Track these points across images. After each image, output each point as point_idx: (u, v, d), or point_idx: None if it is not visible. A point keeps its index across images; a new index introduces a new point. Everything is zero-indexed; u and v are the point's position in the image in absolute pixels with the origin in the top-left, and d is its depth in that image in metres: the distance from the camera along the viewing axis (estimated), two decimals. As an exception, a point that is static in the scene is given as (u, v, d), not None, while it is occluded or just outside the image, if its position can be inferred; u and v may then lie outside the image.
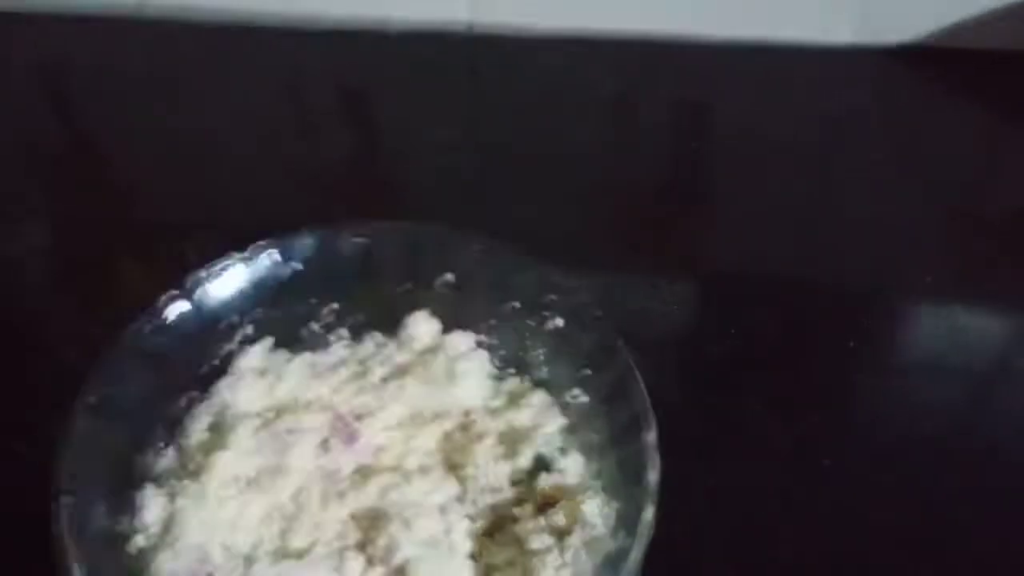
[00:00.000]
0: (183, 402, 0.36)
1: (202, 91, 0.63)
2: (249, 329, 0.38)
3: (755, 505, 0.39)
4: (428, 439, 0.35)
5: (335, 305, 0.39)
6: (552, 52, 0.64)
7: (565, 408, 0.36)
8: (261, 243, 0.38)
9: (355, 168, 0.58)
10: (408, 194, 0.56)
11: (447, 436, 0.35)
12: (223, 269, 0.37)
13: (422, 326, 0.38)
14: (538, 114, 0.60)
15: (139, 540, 0.32)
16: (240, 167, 0.57)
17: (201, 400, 0.36)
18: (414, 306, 0.39)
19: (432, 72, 0.64)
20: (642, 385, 0.33)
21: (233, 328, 0.38)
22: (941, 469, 0.41)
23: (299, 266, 0.38)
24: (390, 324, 0.39)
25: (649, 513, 0.29)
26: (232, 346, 0.38)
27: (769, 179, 0.55)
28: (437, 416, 0.36)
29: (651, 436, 0.31)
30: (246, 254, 0.37)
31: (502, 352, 0.38)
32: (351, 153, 0.59)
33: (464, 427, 0.36)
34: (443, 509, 0.33)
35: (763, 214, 0.53)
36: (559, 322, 0.37)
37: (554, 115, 0.60)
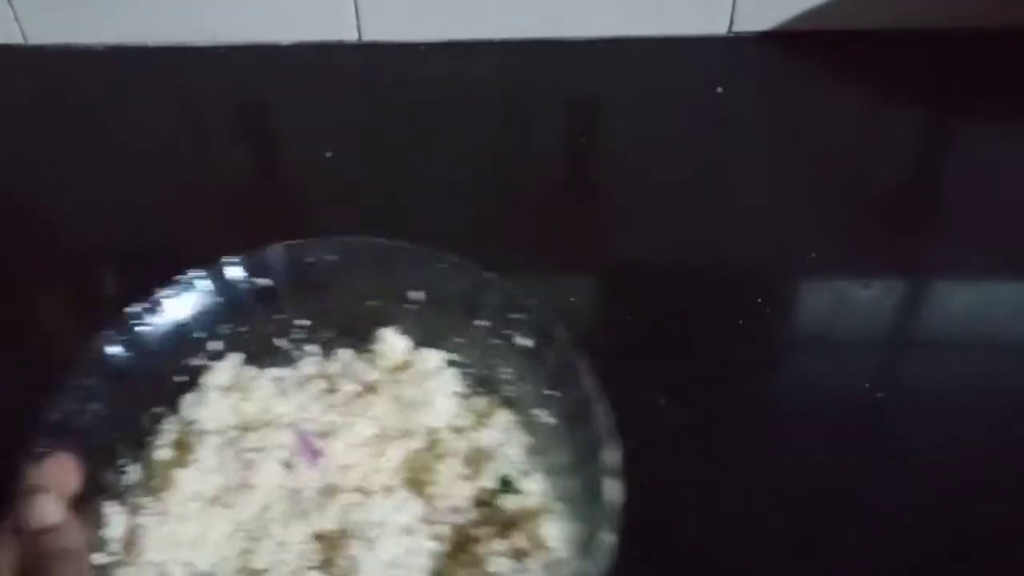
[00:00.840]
0: (148, 418, 0.36)
1: (95, 114, 0.63)
2: (217, 344, 0.38)
3: (659, 491, 0.39)
4: (393, 458, 0.35)
5: (304, 321, 0.39)
6: (440, 57, 0.65)
7: (531, 428, 0.37)
8: (230, 258, 0.38)
9: (255, 183, 0.59)
10: (310, 207, 0.56)
11: (413, 455, 0.36)
12: (190, 283, 0.37)
13: (391, 343, 0.39)
14: (432, 119, 0.61)
15: (101, 556, 0.31)
16: (138, 189, 0.57)
17: (166, 416, 0.36)
18: (383, 322, 0.39)
19: (325, 82, 0.65)
20: (604, 407, 0.33)
21: (201, 343, 0.37)
22: (836, 439, 0.42)
23: (268, 282, 0.38)
24: (359, 340, 0.39)
25: (609, 536, 0.30)
26: (200, 361, 0.37)
27: (658, 169, 0.57)
28: (404, 435, 0.36)
29: (612, 458, 0.31)
30: (214, 268, 0.37)
31: (471, 370, 0.39)
32: (251, 168, 0.60)
33: (430, 446, 0.36)
34: (406, 529, 0.33)
35: (652, 204, 0.54)
36: (527, 341, 0.37)
37: (447, 119, 0.61)
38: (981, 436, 0.42)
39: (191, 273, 0.37)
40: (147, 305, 0.36)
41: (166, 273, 0.50)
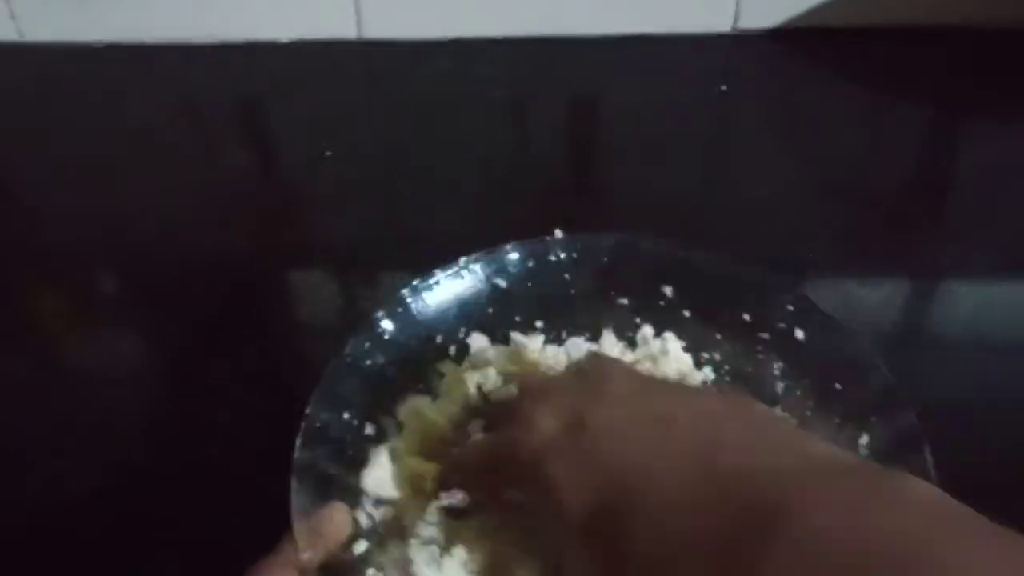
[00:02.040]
0: (395, 425, 0.35)
1: (92, 112, 0.62)
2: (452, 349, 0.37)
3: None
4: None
5: (540, 323, 0.38)
6: (441, 55, 0.65)
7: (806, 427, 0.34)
8: (468, 257, 0.37)
9: (255, 182, 0.58)
10: (310, 206, 0.56)
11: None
12: (432, 284, 0.37)
13: (648, 342, 0.37)
14: (434, 117, 0.61)
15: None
16: (137, 187, 0.56)
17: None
18: (629, 321, 0.38)
19: (325, 81, 0.64)
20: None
21: (443, 346, 0.37)
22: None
23: (502, 283, 0.37)
24: (592, 338, 0.38)
25: None
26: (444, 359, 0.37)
27: (660, 167, 0.56)
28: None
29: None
30: (452, 270, 0.37)
31: (726, 367, 0.37)
32: (250, 167, 0.59)
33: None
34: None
35: (654, 202, 0.54)
36: (798, 334, 0.35)
37: (449, 117, 0.61)
38: (981, 436, 0.41)
39: (438, 273, 0.37)
40: (392, 309, 0.36)
41: (163, 272, 0.50)
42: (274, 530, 0.36)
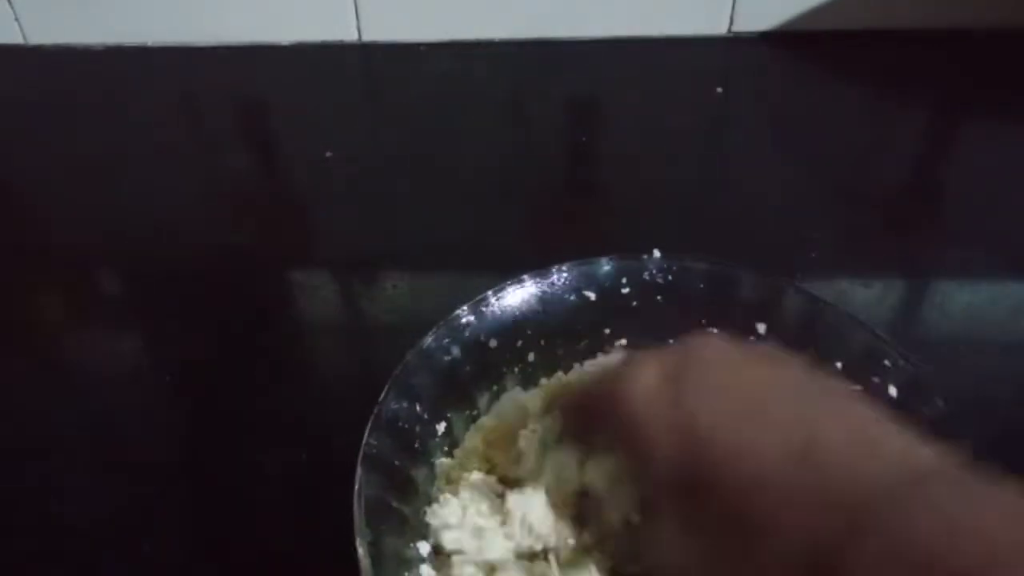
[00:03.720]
0: (462, 421, 0.35)
1: (94, 114, 0.63)
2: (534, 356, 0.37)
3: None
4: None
5: (623, 341, 0.38)
6: (441, 57, 0.66)
7: None
8: (558, 267, 0.37)
9: (255, 183, 0.58)
10: (310, 207, 0.56)
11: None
12: (516, 288, 0.36)
13: None
14: (433, 118, 0.61)
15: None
16: (138, 189, 0.57)
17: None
18: None
19: (325, 83, 0.65)
20: None
21: (521, 352, 0.37)
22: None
23: (592, 295, 0.37)
24: None
25: None
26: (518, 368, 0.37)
27: (657, 169, 0.57)
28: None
29: None
30: (538, 278, 0.37)
31: None
32: (250, 168, 0.60)
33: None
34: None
35: (652, 204, 0.54)
36: (891, 391, 0.33)
37: (449, 118, 0.61)
38: (982, 436, 0.42)
39: (523, 279, 0.37)
40: (476, 308, 0.35)
41: (163, 272, 0.51)
42: (265, 531, 0.36)
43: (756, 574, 0.22)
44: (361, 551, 0.27)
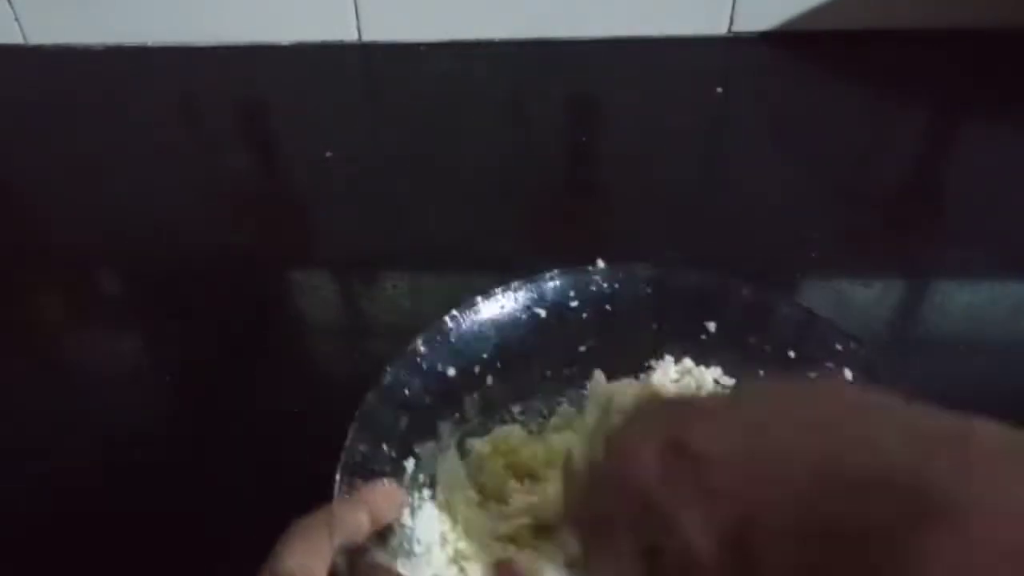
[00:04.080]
0: (447, 427, 0.36)
1: (94, 114, 0.63)
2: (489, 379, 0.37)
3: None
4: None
5: (582, 348, 0.38)
6: (441, 57, 0.66)
7: None
8: (508, 285, 0.37)
9: (255, 183, 0.59)
10: (310, 207, 0.56)
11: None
12: (471, 312, 0.37)
13: (668, 375, 0.37)
14: (433, 118, 0.61)
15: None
16: (138, 189, 0.57)
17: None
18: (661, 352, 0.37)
19: (325, 83, 0.65)
20: None
21: (503, 360, 0.37)
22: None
23: (542, 312, 0.37)
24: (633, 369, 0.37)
25: None
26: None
27: (657, 169, 0.57)
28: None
29: None
30: (491, 298, 0.37)
31: None
32: (251, 168, 0.60)
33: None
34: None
35: (652, 204, 0.54)
36: (846, 374, 0.34)
37: (449, 118, 0.61)
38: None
39: (478, 300, 0.37)
40: (431, 338, 0.36)
41: (163, 272, 0.51)
42: (268, 532, 0.36)
43: None
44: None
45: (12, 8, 0.66)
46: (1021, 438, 0.22)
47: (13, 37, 0.67)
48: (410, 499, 0.33)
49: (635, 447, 0.25)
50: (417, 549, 0.31)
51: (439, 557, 0.32)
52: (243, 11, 0.65)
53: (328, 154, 0.58)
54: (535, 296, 0.37)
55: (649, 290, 0.37)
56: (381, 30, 0.66)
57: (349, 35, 0.67)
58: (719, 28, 0.65)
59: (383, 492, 0.31)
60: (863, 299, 0.48)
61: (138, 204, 0.56)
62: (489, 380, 0.37)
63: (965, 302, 0.48)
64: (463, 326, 0.36)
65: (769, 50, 0.65)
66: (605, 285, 0.38)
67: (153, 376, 0.46)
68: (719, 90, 0.62)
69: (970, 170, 0.57)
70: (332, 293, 0.50)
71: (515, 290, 0.37)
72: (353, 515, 0.29)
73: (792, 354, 0.35)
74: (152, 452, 0.41)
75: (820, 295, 0.50)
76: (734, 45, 0.66)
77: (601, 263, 0.39)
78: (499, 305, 0.37)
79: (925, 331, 0.48)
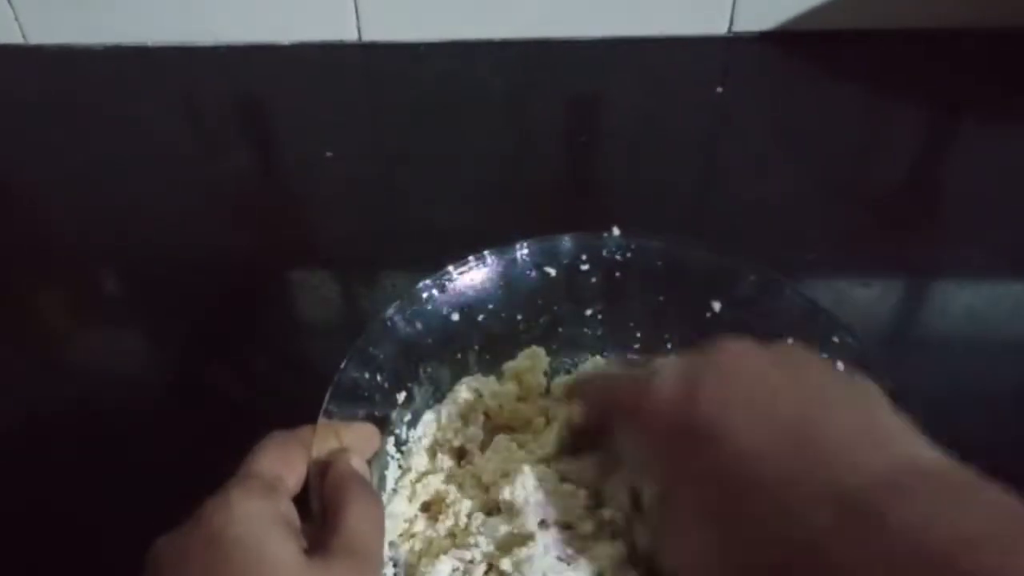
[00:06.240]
0: (422, 394, 0.36)
1: (94, 114, 0.63)
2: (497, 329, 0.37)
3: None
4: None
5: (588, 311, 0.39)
6: (440, 57, 0.66)
7: None
8: (520, 243, 0.37)
9: (255, 183, 0.59)
10: (310, 207, 0.56)
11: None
12: (478, 264, 0.37)
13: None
14: (433, 118, 0.61)
15: None
16: (138, 189, 0.57)
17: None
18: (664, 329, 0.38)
19: (325, 82, 0.65)
20: None
21: (483, 326, 0.37)
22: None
23: (552, 271, 0.38)
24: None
25: None
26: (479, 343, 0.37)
27: (657, 169, 0.57)
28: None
29: None
30: (501, 254, 0.37)
31: None
32: (250, 168, 0.60)
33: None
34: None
35: (652, 204, 0.54)
36: (838, 367, 0.34)
37: (449, 118, 0.61)
38: (981, 436, 0.42)
39: (484, 254, 0.37)
40: (437, 282, 0.36)
41: (163, 272, 0.51)
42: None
43: (755, 559, 0.23)
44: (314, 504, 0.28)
45: (12, 8, 0.66)
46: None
47: (13, 37, 0.67)
48: (392, 438, 0.34)
49: (665, 372, 0.27)
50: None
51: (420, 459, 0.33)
52: (243, 11, 0.65)
53: (328, 154, 0.58)
54: (547, 255, 0.38)
55: (660, 263, 0.38)
56: (381, 30, 0.66)
57: (349, 35, 0.67)
58: (719, 28, 0.65)
59: (360, 429, 0.31)
60: (862, 299, 0.48)
61: (138, 204, 0.56)
62: (492, 330, 0.37)
63: (964, 302, 0.48)
64: (472, 275, 0.37)
65: (769, 50, 0.65)
66: (618, 253, 0.38)
67: (153, 376, 0.46)
68: (719, 90, 0.62)
69: (969, 170, 0.57)
70: (332, 293, 0.50)
71: (528, 247, 0.38)
72: (331, 440, 0.30)
73: (790, 341, 0.36)
74: (152, 452, 0.41)
75: (819, 294, 0.49)
76: (734, 45, 0.66)
77: (617, 231, 0.39)
78: (510, 259, 0.37)
79: (924, 331, 0.48)
